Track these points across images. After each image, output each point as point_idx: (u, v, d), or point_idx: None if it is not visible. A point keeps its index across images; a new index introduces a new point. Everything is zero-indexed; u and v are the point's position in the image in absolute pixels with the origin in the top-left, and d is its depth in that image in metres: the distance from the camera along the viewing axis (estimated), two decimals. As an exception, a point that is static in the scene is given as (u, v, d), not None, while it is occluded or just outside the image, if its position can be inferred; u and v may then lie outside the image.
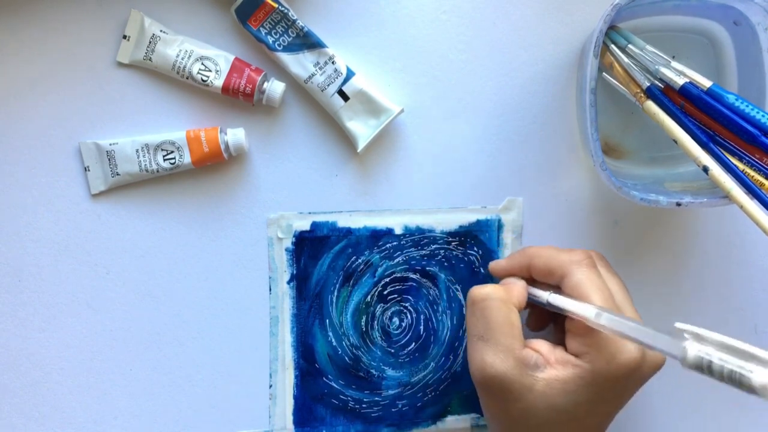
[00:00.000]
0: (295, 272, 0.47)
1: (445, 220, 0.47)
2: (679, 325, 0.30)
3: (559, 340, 0.40)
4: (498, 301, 0.39)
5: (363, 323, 0.48)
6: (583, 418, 0.38)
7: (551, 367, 0.38)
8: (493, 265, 0.45)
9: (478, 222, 0.48)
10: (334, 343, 0.47)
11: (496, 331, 0.38)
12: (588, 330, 0.37)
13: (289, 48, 0.44)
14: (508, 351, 0.38)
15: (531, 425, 0.38)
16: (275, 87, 0.44)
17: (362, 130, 0.45)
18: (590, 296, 0.38)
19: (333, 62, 0.44)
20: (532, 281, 0.43)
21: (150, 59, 0.44)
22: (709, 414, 0.50)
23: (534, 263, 0.41)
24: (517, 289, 0.41)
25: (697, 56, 0.47)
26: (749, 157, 0.42)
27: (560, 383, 0.37)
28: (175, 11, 0.45)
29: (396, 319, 0.48)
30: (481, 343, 0.38)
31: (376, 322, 0.48)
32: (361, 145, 0.45)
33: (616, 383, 0.37)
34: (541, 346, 0.39)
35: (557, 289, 0.40)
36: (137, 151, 0.44)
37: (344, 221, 0.47)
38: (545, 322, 0.45)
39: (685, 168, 0.47)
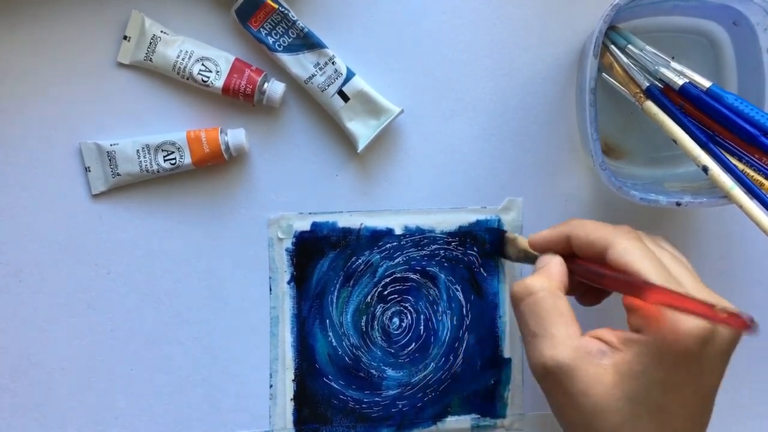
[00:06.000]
0: (295, 272, 0.47)
1: (445, 221, 0.47)
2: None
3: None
4: (542, 292, 0.36)
5: (363, 323, 0.48)
6: (667, 408, 0.34)
7: (616, 350, 0.34)
8: (533, 237, 0.41)
9: (478, 222, 0.48)
10: (335, 344, 0.47)
11: (548, 324, 0.35)
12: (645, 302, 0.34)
13: (290, 48, 0.44)
14: (566, 340, 0.35)
15: (609, 424, 0.34)
16: (275, 87, 0.44)
17: (362, 130, 0.45)
18: (636, 264, 0.34)
19: (333, 63, 0.44)
20: (571, 256, 0.39)
21: (150, 60, 0.44)
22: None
23: (576, 233, 0.38)
24: (557, 272, 0.38)
25: (696, 56, 0.47)
26: (749, 157, 0.42)
27: (627, 365, 0.33)
28: (175, 12, 0.45)
29: (396, 320, 0.48)
30: (536, 339, 0.36)
31: (376, 322, 0.48)
32: (362, 145, 0.45)
33: (688, 358, 0.33)
34: (603, 332, 0.36)
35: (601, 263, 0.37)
36: (138, 151, 0.45)
37: (344, 221, 0.47)
38: (597, 297, 0.42)
39: (685, 168, 0.47)
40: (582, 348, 0.35)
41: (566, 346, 0.35)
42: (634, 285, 0.34)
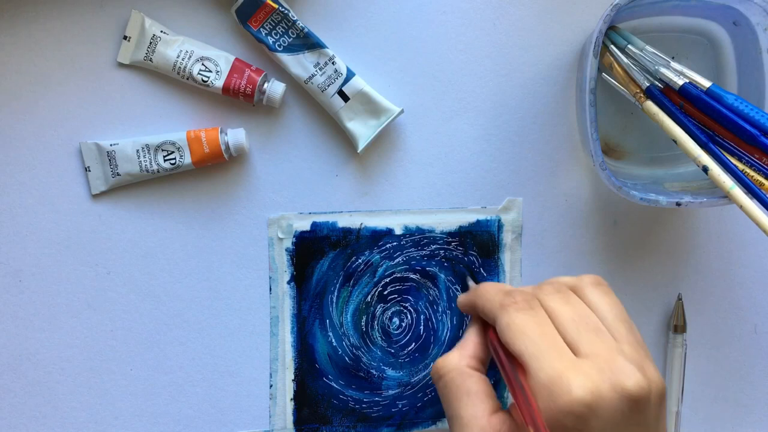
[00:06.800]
0: (295, 272, 0.47)
1: (445, 220, 0.47)
2: None
3: None
4: (451, 373, 0.36)
5: (363, 323, 0.48)
6: None
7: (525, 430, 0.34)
8: (458, 300, 0.41)
9: (478, 222, 0.48)
10: (335, 343, 0.47)
11: (456, 406, 0.35)
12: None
13: (290, 48, 0.44)
14: (472, 421, 0.35)
15: None
16: (275, 87, 0.44)
17: (362, 130, 0.45)
18: (514, 342, 0.33)
19: (333, 63, 0.44)
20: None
21: (150, 60, 0.44)
22: (708, 414, 0.50)
23: (477, 303, 0.38)
24: (469, 346, 0.37)
25: (696, 56, 0.47)
26: (749, 157, 0.42)
27: None
28: (175, 12, 0.45)
29: (396, 319, 0.48)
30: (449, 421, 0.36)
31: (376, 322, 0.48)
32: (362, 145, 0.45)
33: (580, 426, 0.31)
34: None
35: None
36: (138, 151, 0.45)
37: (344, 221, 0.47)
38: None
39: (685, 168, 0.47)
40: (492, 428, 0.34)
41: (473, 428, 0.34)
42: (504, 369, 0.34)
